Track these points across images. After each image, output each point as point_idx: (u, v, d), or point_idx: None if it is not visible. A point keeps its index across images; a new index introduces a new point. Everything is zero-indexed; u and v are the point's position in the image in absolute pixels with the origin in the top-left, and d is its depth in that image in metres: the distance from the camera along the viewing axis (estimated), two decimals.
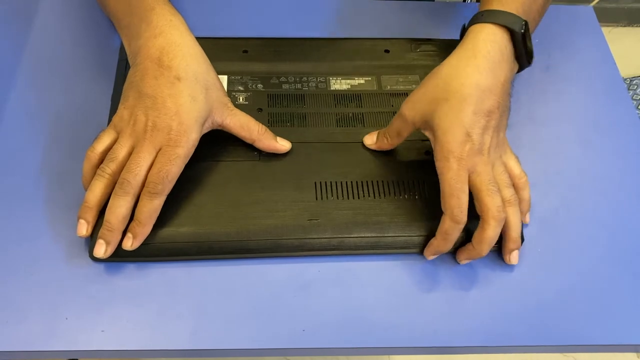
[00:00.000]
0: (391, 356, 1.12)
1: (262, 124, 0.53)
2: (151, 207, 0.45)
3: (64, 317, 0.45)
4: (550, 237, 0.51)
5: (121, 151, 0.47)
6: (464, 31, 0.52)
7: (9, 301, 0.45)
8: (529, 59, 0.51)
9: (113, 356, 0.44)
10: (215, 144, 0.52)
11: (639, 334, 0.47)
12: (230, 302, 0.46)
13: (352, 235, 0.48)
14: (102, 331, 0.44)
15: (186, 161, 0.47)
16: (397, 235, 0.48)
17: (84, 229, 0.46)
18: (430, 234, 0.48)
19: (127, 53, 0.52)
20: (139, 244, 0.46)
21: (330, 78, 0.58)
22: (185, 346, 0.44)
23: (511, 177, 0.49)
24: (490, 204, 0.46)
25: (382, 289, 0.48)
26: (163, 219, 0.47)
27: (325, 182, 0.51)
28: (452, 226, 0.46)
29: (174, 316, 0.45)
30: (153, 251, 0.47)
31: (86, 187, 0.47)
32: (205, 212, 0.48)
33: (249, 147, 0.52)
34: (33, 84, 0.57)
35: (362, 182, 0.51)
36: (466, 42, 0.50)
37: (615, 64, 0.64)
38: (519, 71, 0.53)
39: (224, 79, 0.57)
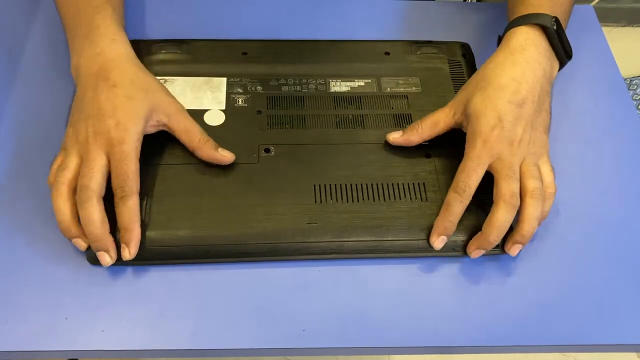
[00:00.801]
0: (391, 356, 1.12)
1: (261, 126, 0.53)
2: (129, 211, 0.45)
3: (63, 317, 0.45)
4: (550, 237, 0.51)
5: (70, 161, 0.46)
6: (499, 40, 0.54)
7: (8, 301, 0.45)
8: (567, 54, 0.53)
9: (113, 356, 0.44)
10: None
11: (639, 334, 0.47)
12: (230, 302, 0.46)
13: (351, 239, 0.48)
14: (102, 331, 0.44)
15: (138, 154, 0.47)
16: (396, 239, 0.48)
17: (81, 244, 0.46)
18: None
19: (71, 65, 0.52)
20: (136, 249, 0.46)
21: (330, 80, 0.58)
22: (185, 346, 0.44)
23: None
24: (504, 187, 0.46)
25: (382, 288, 0.48)
26: (161, 223, 0.47)
27: (325, 185, 0.51)
28: (453, 197, 0.47)
29: (174, 316, 0.45)
30: (152, 255, 0.47)
31: (76, 231, 0.46)
32: (203, 215, 0.48)
33: (248, 150, 0.52)
34: (32, 85, 0.57)
35: (361, 185, 0.51)
36: (502, 45, 0.52)
37: (615, 63, 0.64)
38: (560, 67, 0.54)
39: (223, 81, 0.57)
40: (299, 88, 0.57)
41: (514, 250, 0.48)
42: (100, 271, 0.47)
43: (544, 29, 0.52)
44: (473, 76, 0.52)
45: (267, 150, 0.52)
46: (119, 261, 0.46)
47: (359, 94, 0.57)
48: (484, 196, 0.48)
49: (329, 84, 0.58)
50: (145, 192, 0.49)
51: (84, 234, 0.46)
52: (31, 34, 0.61)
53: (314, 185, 0.50)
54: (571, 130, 0.59)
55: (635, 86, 1.52)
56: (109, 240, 0.45)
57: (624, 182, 0.55)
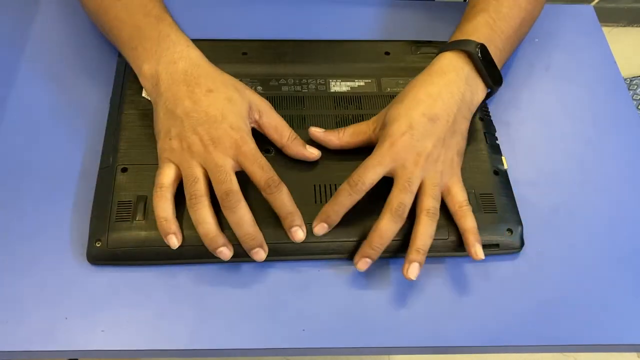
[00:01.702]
0: (391, 356, 1.12)
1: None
2: (286, 197, 0.46)
3: (63, 317, 0.45)
4: (551, 236, 0.51)
5: (197, 172, 0.46)
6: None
7: (8, 301, 0.45)
8: (495, 81, 0.54)
9: (113, 356, 0.44)
10: None
11: (639, 334, 0.47)
12: (230, 302, 0.46)
13: (351, 239, 0.48)
14: (102, 331, 0.44)
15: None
16: (396, 239, 0.48)
17: (227, 253, 0.46)
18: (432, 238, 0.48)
19: (139, 75, 0.52)
20: (304, 230, 0.47)
21: (330, 80, 0.58)
22: (185, 346, 0.44)
23: (452, 202, 0.49)
24: (395, 198, 0.46)
25: (382, 288, 0.48)
26: None
27: (325, 186, 0.51)
28: (344, 188, 0.47)
29: (174, 316, 0.45)
30: (151, 255, 0.47)
31: (167, 229, 0.46)
32: None
33: None
34: (32, 85, 0.57)
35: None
36: (426, 68, 0.53)
37: (615, 63, 0.64)
38: (490, 93, 0.55)
39: None
40: (299, 88, 0.57)
41: (412, 270, 0.46)
42: (100, 271, 0.47)
43: (469, 55, 0.52)
44: (397, 95, 0.53)
45: (267, 151, 0.52)
46: (115, 260, 0.46)
47: (359, 94, 0.57)
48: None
49: (329, 84, 0.58)
50: (145, 192, 0.49)
51: (228, 242, 0.46)
52: (31, 34, 0.61)
53: (314, 186, 0.50)
54: (571, 130, 0.59)
55: (635, 86, 1.52)
56: (261, 237, 0.46)
57: (624, 182, 0.55)
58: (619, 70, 0.64)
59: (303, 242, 0.47)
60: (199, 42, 0.59)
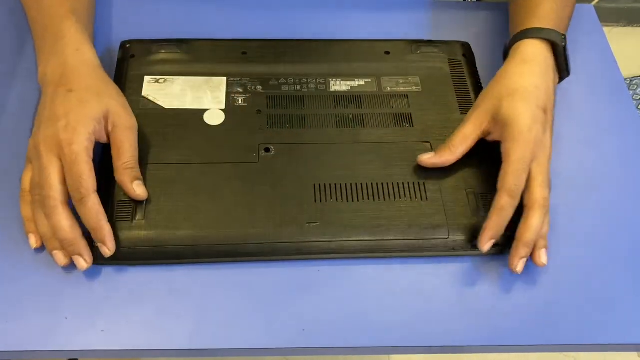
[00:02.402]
0: (391, 356, 1.12)
1: (261, 125, 0.53)
2: (91, 211, 0.44)
3: (63, 317, 0.45)
4: (551, 236, 0.51)
5: (36, 173, 0.46)
6: (506, 50, 0.56)
7: (9, 301, 0.45)
8: (568, 69, 0.55)
9: (113, 356, 0.44)
10: (212, 146, 0.52)
11: (639, 334, 0.47)
12: (230, 302, 0.46)
13: (351, 239, 0.48)
14: (102, 331, 0.44)
15: (90, 155, 0.45)
16: (397, 238, 0.48)
17: (60, 258, 0.46)
18: (431, 237, 0.48)
19: (38, 75, 0.52)
20: (113, 243, 0.45)
21: (330, 80, 0.58)
22: (185, 346, 0.44)
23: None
24: (538, 193, 0.47)
25: (382, 288, 0.48)
26: (160, 223, 0.47)
27: (325, 185, 0.50)
28: (508, 202, 0.47)
29: (173, 316, 0.45)
30: (151, 255, 0.47)
31: (27, 228, 0.47)
32: (202, 215, 0.48)
33: (248, 150, 0.52)
34: (32, 85, 0.57)
35: (361, 184, 0.51)
36: (515, 55, 0.53)
37: (616, 63, 0.64)
38: (558, 82, 0.56)
39: (222, 80, 0.57)
40: (298, 87, 0.57)
41: (520, 265, 0.48)
42: (100, 271, 0.47)
43: (553, 45, 0.53)
44: (491, 86, 0.52)
45: (267, 150, 0.52)
46: (115, 260, 0.46)
47: (359, 93, 0.57)
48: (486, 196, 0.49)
49: (329, 84, 0.58)
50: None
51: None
52: (31, 34, 0.61)
53: (314, 185, 0.50)
54: (572, 130, 0.59)
55: (635, 86, 1.52)
56: (82, 244, 0.45)
57: (624, 182, 0.55)
58: (619, 70, 0.64)
59: (303, 241, 0.47)
60: (198, 42, 0.59)
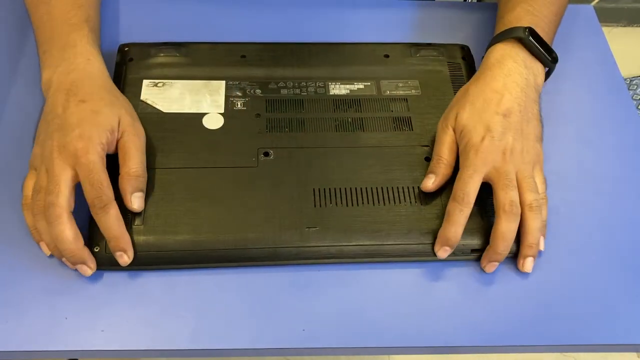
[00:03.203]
0: (391, 356, 1.12)
1: (260, 129, 0.53)
2: (113, 219, 0.44)
3: (63, 317, 0.45)
4: (551, 237, 0.51)
5: (42, 180, 0.45)
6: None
7: (9, 301, 0.45)
8: (553, 58, 0.55)
9: (113, 356, 0.44)
10: (211, 150, 0.52)
11: (639, 334, 0.47)
12: (230, 302, 0.46)
13: (351, 244, 0.48)
14: (102, 331, 0.44)
15: (104, 163, 0.45)
16: (396, 243, 0.48)
17: (89, 268, 0.46)
18: (431, 242, 0.48)
19: (41, 77, 0.51)
20: (132, 252, 0.46)
21: (329, 83, 0.58)
22: (185, 346, 0.44)
23: None
24: (502, 196, 0.47)
25: (382, 288, 0.48)
26: (160, 227, 0.47)
27: (324, 189, 0.50)
28: (453, 206, 0.47)
29: (174, 316, 0.45)
30: (150, 260, 0.47)
31: (38, 238, 0.46)
32: (202, 219, 0.48)
33: (247, 154, 0.52)
34: (32, 87, 0.57)
35: (361, 188, 0.51)
36: (481, 63, 0.55)
37: (615, 63, 0.64)
38: (549, 72, 0.56)
39: (221, 84, 0.57)
40: (298, 91, 0.57)
41: (527, 265, 0.48)
42: (100, 272, 0.47)
43: (520, 40, 0.53)
44: (457, 94, 0.53)
45: (266, 154, 0.52)
46: (114, 266, 0.46)
47: (359, 96, 0.57)
48: (482, 200, 0.49)
49: (328, 87, 0.57)
50: (144, 196, 0.48)
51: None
52: (31, 34, 0.61)
53: (314, 189, 0.50)
54: (571, 130, 0.59)
55: (635, 86, 1.52)
56: (85, 253, 0.45)
57: (624, 182, 0.55)
58: (619, 70, 0.64)
59: (303, 246, 0.47)
60: (197, 45, 0.59)
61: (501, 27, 0.55)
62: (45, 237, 0.45)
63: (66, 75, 0.49)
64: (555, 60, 0.55)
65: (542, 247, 0.49)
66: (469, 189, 0.47)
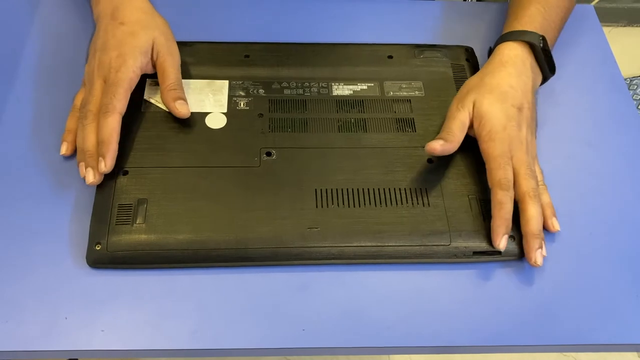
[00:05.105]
0: (391, 356, 1.12)
1: (263, 129, 0.53)
2: (108, 125, 0.48)
3: (63, 317, 0.45)
4: (550, 236, 0.51)
5: (87, 94, 0.51)
6: (490, 52, 0.58)
7: (8, 301, 0.45)
8: (551, 69, 0.57)
9: (113, 356, 0.44)
10: (214, 150, 0.52)
11: (639, 334, 0.47)
12: (230, 302, 0.46)
13: (352, 245, 0.48)
14: (102, 331, 0.44)
15: (131, 85, 0.51)
16: (398, 244, 0.48)
17: (90, 176, 0.48)
18: (433, 244, 0.48)
19: (93, 14, 0.57)
20: (112, 162, 0.48)
21: (333, 84, 0.58)
22: (185, 346, 0.44)
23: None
24: (524, 186, 0.49)
25: (382, 289, 0.48)
26: (161, 226, 0.47)
27: (326, 190, 0.50)
28: (503, 194, 0.48)
29: (174, 316, 0.45)
30: (151, 258, 0.47)
31: (64, 137, 0.52)
32: (203, 219, 0.48)
33: (249, 154, 0.52)
34: (32, 86, 0.57)
35: (363, 189, 0.50)
36: (493, 57, 0.56)
37: (616, 63, 0.64)
38: (543, 82, 0.58)
39: (225, 83, 0.57)
40: (301, 91, 0.57)
41: (539, 257, 0.48)
42: (100, 271, 0.47)
43: (532, 46, 0.56)
44: (471, 81, 0.55)
45: (269, 154, 0.52)
46: (115, 264, 0.46)
47: (362, 97, 0.57)
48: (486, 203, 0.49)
49: (332, 88, 0.57)
50: (146, 195, 0.48)
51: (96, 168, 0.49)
52: (31, 34, 0.61)
53: (315, 190, 0.50)
54: (571, 130, 0.59)
55: (635, 86, 1.52)
56: (96, 161, 0.48)
57: (624, 182, 0.55)
58: (619, 70, 0.64)
59: (304, 247, 0.47)
60: (200, 45, 0.59)
61: (516, 26, 0.57)
62: (80, 141, 0.49)
63: (109, 4, 0.55)
64: (553, 72, 0.58)
65: (557, 227, 0.51)
66: (509, 175, 0.49)
